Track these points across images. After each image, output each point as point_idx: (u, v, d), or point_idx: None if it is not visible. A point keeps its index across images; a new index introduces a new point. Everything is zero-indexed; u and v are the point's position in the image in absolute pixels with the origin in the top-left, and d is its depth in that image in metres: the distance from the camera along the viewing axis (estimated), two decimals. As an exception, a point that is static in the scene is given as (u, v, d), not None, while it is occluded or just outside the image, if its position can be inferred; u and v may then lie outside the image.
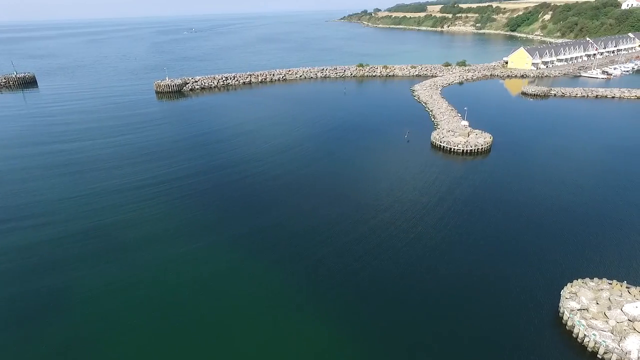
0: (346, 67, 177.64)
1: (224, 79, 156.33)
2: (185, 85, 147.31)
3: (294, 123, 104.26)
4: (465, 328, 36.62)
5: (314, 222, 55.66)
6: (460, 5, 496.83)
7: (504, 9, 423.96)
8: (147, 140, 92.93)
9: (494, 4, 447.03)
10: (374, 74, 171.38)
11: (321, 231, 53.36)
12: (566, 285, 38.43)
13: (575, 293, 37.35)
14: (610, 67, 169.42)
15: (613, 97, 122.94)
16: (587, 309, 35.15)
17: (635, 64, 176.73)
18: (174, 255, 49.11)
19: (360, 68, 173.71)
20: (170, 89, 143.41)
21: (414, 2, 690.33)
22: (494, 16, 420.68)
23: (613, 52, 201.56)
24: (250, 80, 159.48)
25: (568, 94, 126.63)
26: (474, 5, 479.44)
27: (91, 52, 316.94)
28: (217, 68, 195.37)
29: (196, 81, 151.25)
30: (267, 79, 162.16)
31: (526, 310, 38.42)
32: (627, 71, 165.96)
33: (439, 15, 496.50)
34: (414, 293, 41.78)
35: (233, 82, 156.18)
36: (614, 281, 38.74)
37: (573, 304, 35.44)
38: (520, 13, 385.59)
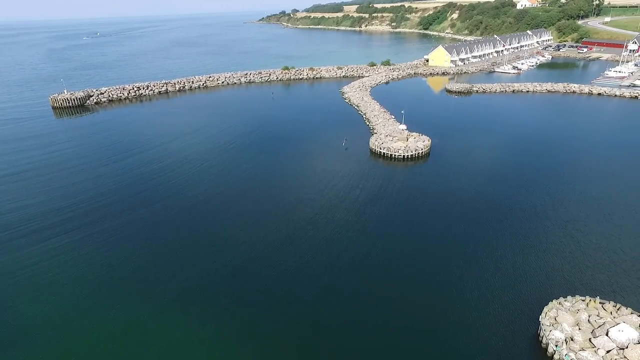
0: (271, 70, 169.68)
1: (135, 89, 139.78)
2: (89, 98, 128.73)
3: (219, 135, 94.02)
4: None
5: (231, 253, 47.65)
6: (375, 5, 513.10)
7: (416, 8, 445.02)
8: (38, 171, 76.84)
9: (406, 4, 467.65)
10: (300, 77, 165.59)
11: (243, 264, 45.57)
12: (543, 310, 35.18)
13: (555, 318, 34.15)
14: (518, 62, 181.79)
15: (527, 91, 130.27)
16: (572, 338, 31.91)
17: (538, 59, 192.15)
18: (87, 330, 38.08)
19: (286, 71, 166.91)
20: (70, 103, 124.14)
21: (331, 2, 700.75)
22: (408, 15, 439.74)
23: (517, 48, 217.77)
24: (167, 89, 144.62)
25: (488, 90, 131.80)
26: (388, 5, 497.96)
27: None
28: (128, 77, 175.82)
29: (102, 93, 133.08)
30: (186, 87, 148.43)
31: (500, 332, 34.54)
32: (532, 66, 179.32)
33: (356, 15, 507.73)
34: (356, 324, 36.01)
35: (147, 92, 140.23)
36: (587, 297, 36.39)
37: (557, 334, 31.99)
38: (431, 12, 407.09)
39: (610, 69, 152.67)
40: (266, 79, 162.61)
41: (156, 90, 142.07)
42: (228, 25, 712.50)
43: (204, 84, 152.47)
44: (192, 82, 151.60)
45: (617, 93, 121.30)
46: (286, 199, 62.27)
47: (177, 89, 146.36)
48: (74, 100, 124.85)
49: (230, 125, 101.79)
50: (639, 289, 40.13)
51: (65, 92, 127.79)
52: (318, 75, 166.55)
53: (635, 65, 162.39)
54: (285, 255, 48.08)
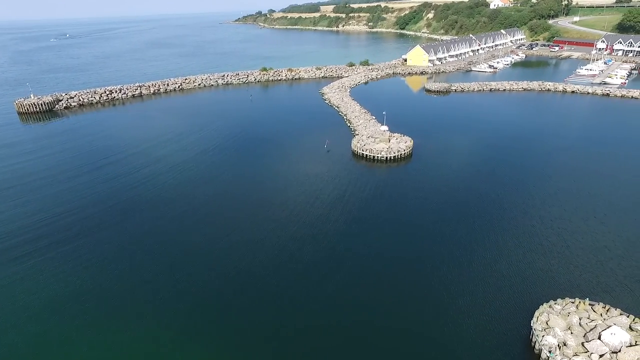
0: (249, 72, 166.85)
1: (108, 92, 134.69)
2: (57, 103, 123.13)
3: (198, 140, 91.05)
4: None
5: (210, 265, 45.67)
6: (352, 5, 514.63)
7: (392, 8, 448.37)
8: (4, 184, 72.41)
9: (383, 4, 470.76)
10: (279, 78, 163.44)
11: (225, 273, 43.67)
12: (535, 314, 34.67)
13: (547, 322, 33.66)
14: (494, 61, 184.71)
15: (504, 89, 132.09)
16: (564, 343, 31.41)
17: (512, 58, 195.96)
18: None
19: (265, 72, 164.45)
20: (38, 109, 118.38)
21: (307, 2, 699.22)
22: (384, 15, 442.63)
23: (492, 47, 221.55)
24: (141, 92, 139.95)
25: (467, 89, 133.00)
26: (365, 5, 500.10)
27: None
28: (100, 80, 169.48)
29: (72, 97, 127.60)
30: (161, 90, 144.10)
31: (492, 337, 33.86)
32: (507, 64, 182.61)
33: (333, 15, 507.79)
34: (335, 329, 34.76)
35: (120, 96, 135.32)
36: (577, 299, 36.13)
37: (550, 340, 31.42)
38: (407, 12, 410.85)
39: (581, 67, 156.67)
40: (244, 80, 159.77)
41: (130, 94, 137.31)
42: (204, 25, 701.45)
43: (180, 87, 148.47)
44: (168, 84, 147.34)
45: (590, 91, 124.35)
46: (271, 204, 60.32)
47: (151, 92, 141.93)
48: (41, 105, 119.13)
49: (209, 129, 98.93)
50: (626, 288, 40.25)
51: (32, 97, 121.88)
52: (297, 76, 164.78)
53: (605, 63, 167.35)
54: (274, 260, 46.29)
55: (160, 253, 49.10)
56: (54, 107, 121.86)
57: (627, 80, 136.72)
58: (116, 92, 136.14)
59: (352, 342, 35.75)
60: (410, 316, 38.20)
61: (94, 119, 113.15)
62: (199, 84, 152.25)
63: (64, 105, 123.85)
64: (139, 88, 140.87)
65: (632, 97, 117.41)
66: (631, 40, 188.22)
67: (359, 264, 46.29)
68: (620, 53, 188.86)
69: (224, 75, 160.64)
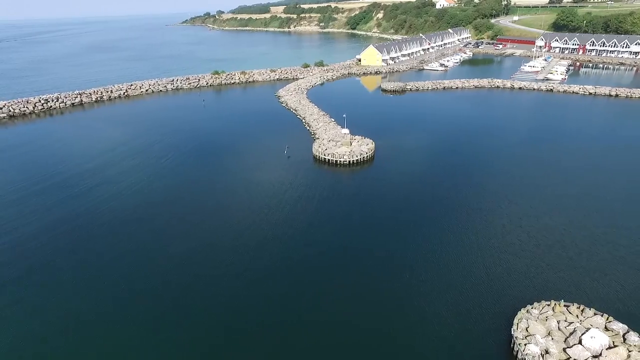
0: (200, 75, 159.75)
1: (43, 101, 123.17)
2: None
3: (148, 150, 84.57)
4: None
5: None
6: (302, 5, 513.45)
7: (342, 8, 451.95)
8: None
9: (333, 4, 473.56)
10: (232, 81, 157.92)
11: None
12: (514, 321, 33.87)
13: (526, 329, 32.92)
14: (444, 59, 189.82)
15: (457, 87, 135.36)
16: (547, 351, 30.70)
17: (461, 56, 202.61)
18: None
19: (217, 76, 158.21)
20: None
21: (257, 3, 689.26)
22: (335, 16, 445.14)
23: (441, 46, 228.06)
24: (82, 100, 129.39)
25: (421, 88, 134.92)
26: (315, 6, 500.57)
27: None
28: (34, 88, 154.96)
29: (0, 108, 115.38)
30: (104, 97, 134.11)
31: (472, 348, 32.71)
32: (457, 62, 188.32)
33: (284, 16, 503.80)
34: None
35: (57, 105, 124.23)
36: (552, 301, 35.84)
37: (533, 349, 30.58)
38: (357, 12, 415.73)
39: (525, 64, 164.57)
40: (195, 84, 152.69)
41: (69, 102, 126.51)
42: (149, 28, 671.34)
43: (126, 93, 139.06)
44: (111, 91, 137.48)
45: (535, 87, 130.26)
46: (231, 216, 56.46)
47: (93, 99, 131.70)
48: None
49: (159, 138, 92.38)
50: (596, 284, 40.74)
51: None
52: (251, 79, 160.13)
53: (545, 60, 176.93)
54: (234, 271, 42.72)
55: (118, 279, 43.96)
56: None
57: (566, 76, 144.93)
58: (53, 100, 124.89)
59: (324, 350, 33.33)
60: (383, 323, 36.26)
61: (27, 132, 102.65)
62: (146, 90, 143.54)
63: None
64: (79, 96, 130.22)
65: (573, 92, 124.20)
66: (566, 38, 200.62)
67: (324, 272, 43.86)
68: (557, 50, 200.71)
69: (173, 79, 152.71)
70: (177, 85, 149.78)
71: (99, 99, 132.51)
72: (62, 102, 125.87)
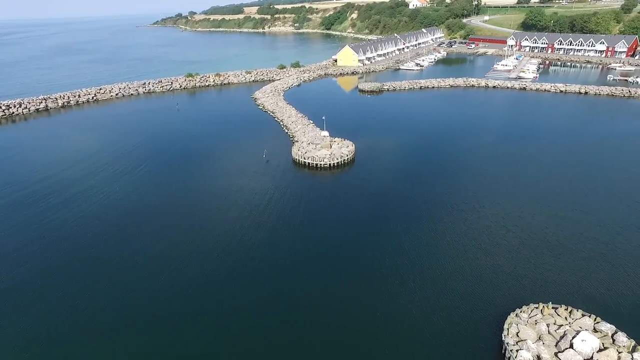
0: (173, 78, 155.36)
1: (4, 107, 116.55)
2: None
3: (121, 159, 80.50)
4: None
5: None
6: (276, 6, 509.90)
7: (317, 9, 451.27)
8: None
9: (307, 5, 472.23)
10: (207, 84, 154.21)
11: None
12: (504, 326, 33.35)
13: (517, 334, 32.43)
14: (419, 59, 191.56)
15: (433, 87, 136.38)
16: (539, 357, 30.24)
17: (435, 56, 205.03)
18: None
19: (190, 78, 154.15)
20: None
21: (229, 4, 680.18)
22: (309, 16, 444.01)
23: (416, 45, 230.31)
24: (47, 106, 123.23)
25: (398, 88, 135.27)
26: (289, 6, 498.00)
27: None
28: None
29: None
30: (72, 102, 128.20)
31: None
32: (432, 62, 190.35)
33: (257, 16, 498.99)
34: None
35: (20, 111, 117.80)
36: (540, 304, 35.56)
37: (525, 355, 30.04)
38: (331, 12, 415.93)
39: (497, 63, 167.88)
40: (168, 87, 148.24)
41: (33, 108, 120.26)
42: (119, 29, 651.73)
43: (94, 98, 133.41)
44: (79, 95, 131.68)
45: (509, 85, 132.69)
46: (210, 224, 54.19)
47: (60, 105, 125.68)
48: None
49: (132, 145, 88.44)
50: (581, 284, 40.85)
51: None
52: (226, 81, 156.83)
53: (516, 59, 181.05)
54: (216, 278, 40.71)
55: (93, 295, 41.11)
56: None
57: (538, 74, 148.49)
58: (15, 107, 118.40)
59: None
60: (373, 332, 35.15)
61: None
62: (117, 94, 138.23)
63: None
64: (44, 101, 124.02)
65: (545, 90, 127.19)
66: (535, 37, 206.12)
67: (309, 280, 42.43)
68: (527, 49, 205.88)
69: (144, 83, 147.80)
70: (149, 89, 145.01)
71: (65, 104, 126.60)
72: (26, 108, 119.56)
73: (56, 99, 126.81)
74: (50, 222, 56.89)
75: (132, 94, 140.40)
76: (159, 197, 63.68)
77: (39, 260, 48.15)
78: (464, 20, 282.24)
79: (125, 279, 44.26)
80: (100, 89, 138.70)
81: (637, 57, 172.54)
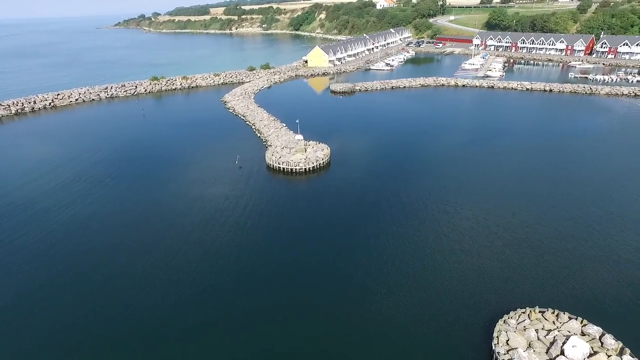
0: (137, 82, 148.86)
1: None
2: None
3: (81, 169, 74.96)
4: None
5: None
6: (243, 7, 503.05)
7: (284, 9, 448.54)
8: None
9: (274, 5, 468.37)
10: (173, 87, 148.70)
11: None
12: (493, 334, 32.47)
13: (507, 342, 31.62)
14: (389, 59, 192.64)
15: (404, 87, 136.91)
16: (531, 365, 29.51)
17: (405, 55, 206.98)
18: None
19: (156, 82, 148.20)
20: None
21: (194, 5, 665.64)
22: (277, 17, 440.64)
23: (385, 45, 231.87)
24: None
25: (370, 88, 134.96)
26: (257, 7, 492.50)
27: None
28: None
29: None
30: (26, 109, 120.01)
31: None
32: (401, 62, 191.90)
33: (224, 17, 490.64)
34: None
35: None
36: (527, 308, 35.01)
37: (517, 365, 29.22)
38: (300, 13, 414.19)
39: (465, 62, 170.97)
40: (132, 92, 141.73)
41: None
42: (78, 31, 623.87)
43: (52, 104, 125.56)
44: (34, 101, 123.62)
45: (477, 84, 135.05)
46: (182, 235, 51.03)
47: (13, 112, 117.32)
48: None
49: (95, 154, 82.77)
50: (565, 286, 40.66)
51: None
52: (193, 84, 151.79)
53: (482, 57, 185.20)
54: (187, 292, 37.93)
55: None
56: None
57: (504, 73, 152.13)
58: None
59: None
60: (360, 345, 33.54)
61: None
62: (76, 99, 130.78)
63: None
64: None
65: (512, 88, 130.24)
66: (499, 36, 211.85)
67: (286, 290, 40.39)
68: (492, 48, 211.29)
69: (107, 87, 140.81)
70: (112, 93, 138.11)
71: (19, 111, 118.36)
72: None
73: (8, 105, 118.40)
74: (5, 246, 52.03)
75: (93, 99, 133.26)
76: (129, 213, 59.33)
77: (-11, 287, 43.64)
78: (431, 20, 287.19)
79: (101, 300, 40.67)
80: (58, 94, 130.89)
81: (594, 56, 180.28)
